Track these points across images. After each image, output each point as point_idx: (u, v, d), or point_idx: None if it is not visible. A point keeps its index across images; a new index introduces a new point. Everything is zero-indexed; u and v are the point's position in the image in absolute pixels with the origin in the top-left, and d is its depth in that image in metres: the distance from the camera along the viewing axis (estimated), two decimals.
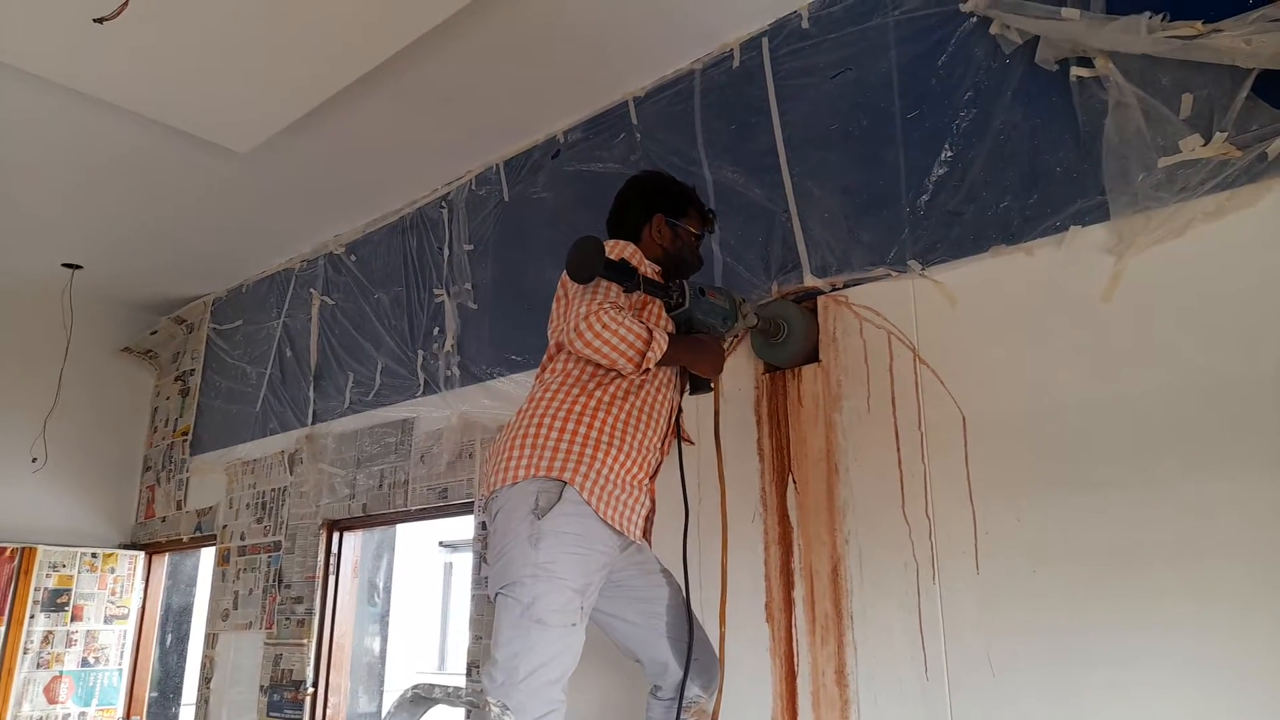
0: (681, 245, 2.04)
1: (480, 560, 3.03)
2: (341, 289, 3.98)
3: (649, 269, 1.90)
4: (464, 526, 5.57)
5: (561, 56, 2.79)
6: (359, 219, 3.91)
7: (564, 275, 1.85)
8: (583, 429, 1.75)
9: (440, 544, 9.16)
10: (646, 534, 1.89)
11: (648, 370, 1.75)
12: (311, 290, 4.12)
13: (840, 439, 2.20)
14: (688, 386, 2.01)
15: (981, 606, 1.90)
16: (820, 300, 2.32)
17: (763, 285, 2.43)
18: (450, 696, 1.41)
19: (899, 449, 2.09)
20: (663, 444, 1.90)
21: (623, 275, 1.75)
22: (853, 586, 2.10)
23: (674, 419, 1.96)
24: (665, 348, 1.74)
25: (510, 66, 2.84)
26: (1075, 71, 1.94)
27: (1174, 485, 1.71)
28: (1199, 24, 1.76)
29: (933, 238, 2.12)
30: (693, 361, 1.89)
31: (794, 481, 2.26)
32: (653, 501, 1.90)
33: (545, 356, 1.94)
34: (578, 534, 1.66)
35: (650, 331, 1.73)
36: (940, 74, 2.17)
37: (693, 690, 1.90)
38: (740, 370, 2.45)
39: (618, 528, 1.73)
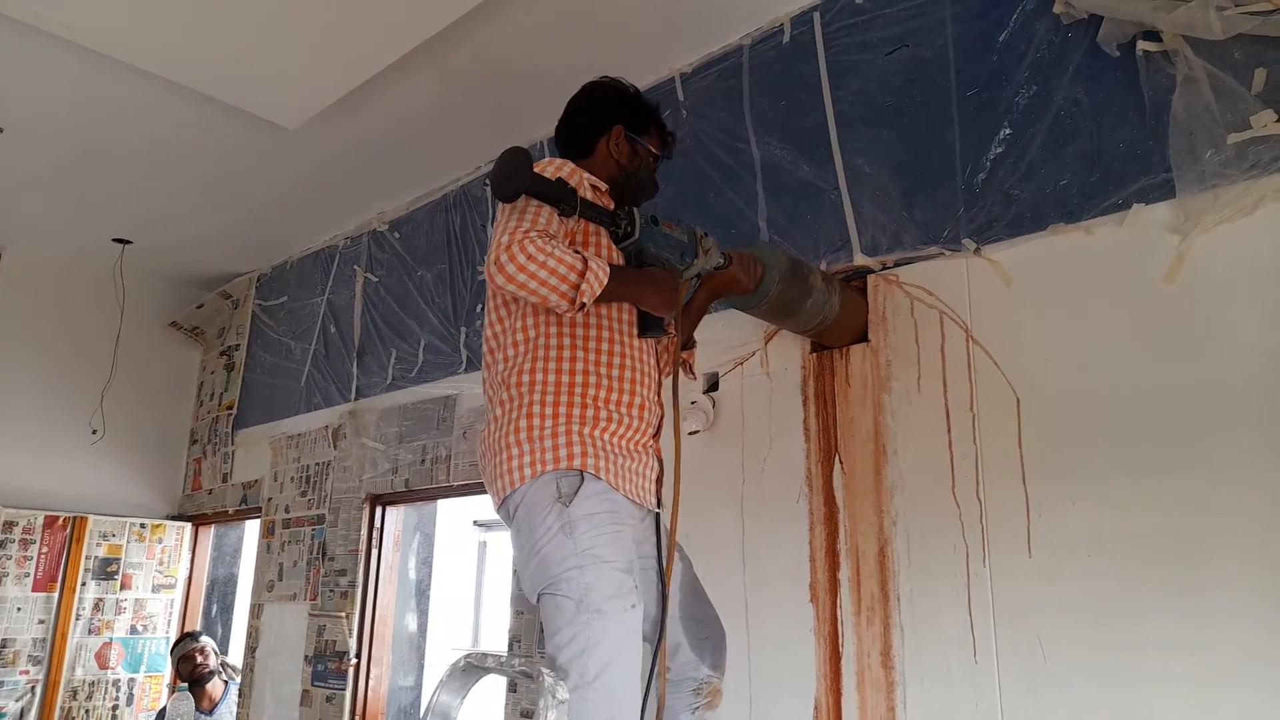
0: (639, 165, 1.82)
1: None
2: (385, 266, 4.01)
3: (590, 189, 1.66)
4: None
5: (608, 32, 2.77)
6: (403, 196, 3.93)
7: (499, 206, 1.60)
8: (576, 409, 1.58)
9: (475, 523, 9.24)
10: (657, 495, 1.74)
11: (584, 307, 1.50)
12: (355, 267, 4.16)
13: (889, 419, 2.17)
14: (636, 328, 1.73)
15: (1033, 590, 1.87)
16: (870, 279, 2.29)
17: (812, 264, 2.40)
18: (503, 666, 1.42)
19: (950, 430, 2.06)
20: (659, 395, 1.74)
21: (557, 195, 1.51)
22: (900, 568, 2.08)
23: (661, 361, 1.79)
24: (605, 279, 1.49)
25: (555, 42, 2.82)
26: (1142, 46, 1.89)
27: (1239, 471, 1.67)
28: None
29: (989, 216, 2.08)
30: (640, 296, 1.62)
31: (840, 462, 2.24)
32: (660, 462, 1.74)
33: (493, 316, 1.70)
34: (609, 512, 1.55)
35: (585, 261, 1.48)
36: (1000, 51, 2.12)
37: (702, 671, 1.76)
38: (786, 351, 2.43)
39: (636, 500, 1.62)
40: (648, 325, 1.69)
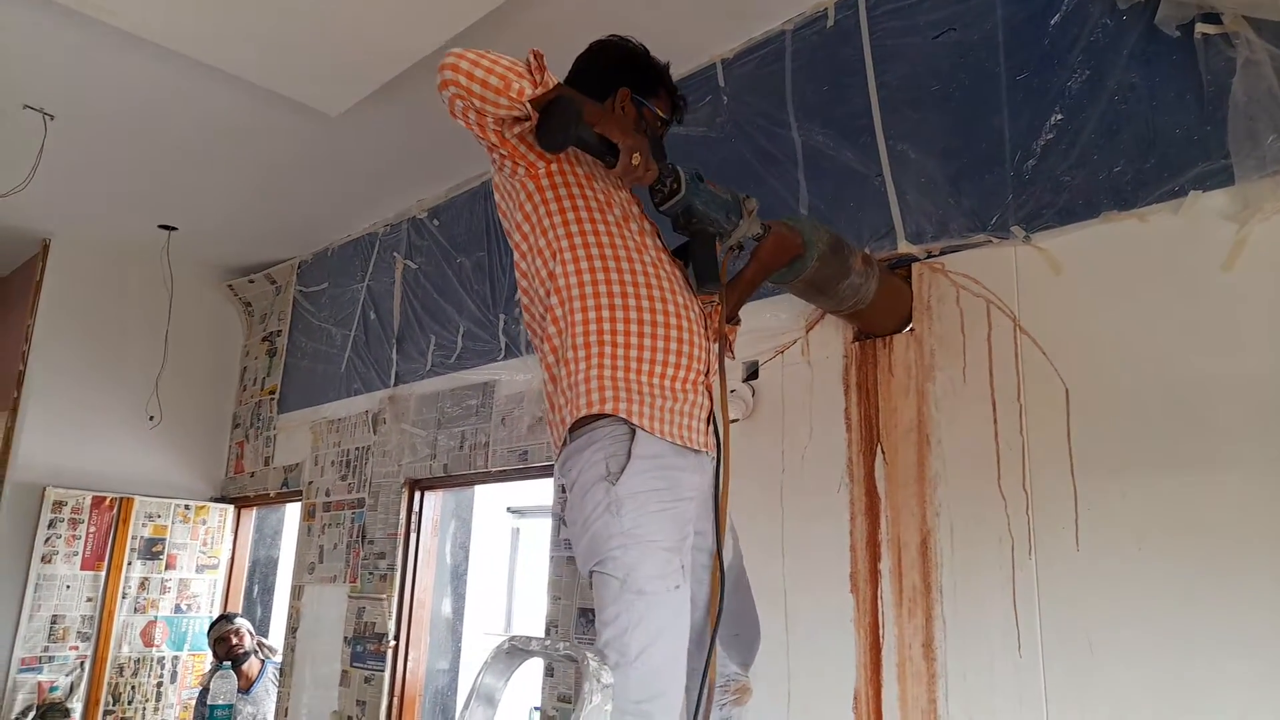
0: (645, 130, 1.73)
1: (559, 523, 3.06)
2: (424, 253, 4.03)
3: None
4: (534, 492, 5.64)
5: (649, 18, 2.75)
6: (442, 184, 3.95)
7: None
8: (608, 348, 1.51)
9: (508, 509, 9.32)
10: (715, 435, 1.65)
11: (545, 87, 1.40)
12: (395, 254, 4.19)
13: (933, 410, 2.15)
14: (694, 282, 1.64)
15: (1081, 584, 1.84)
16: (915, 267, 2.25)
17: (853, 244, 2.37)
18: (547, 650, 1.42)
19: (996, 421, 2.03)
20: (705, 331, 1.64)
21: (606, 149, 1.46)
22: (942, 559, 2.06)
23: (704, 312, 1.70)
24: (554, 80, 1.42)
25: (596, 28, 2.77)
26: (1201, 28, 1.84)
27: None
28: None
29: (1039, 203, 2.04)
30: (596, 118, 1.46)
31: (883, 452, 2.22)
32: (712, 399, 1.63)
33: (518, 273, 1.66)
34: (658, 489, 1.49)
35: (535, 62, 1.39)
36: (1052, 34, 2.08)
37: (729, 668, 1.72)
38: (828, 339, 2.41)
39: (680, 442, 1.52)
40: (704, 277, 1.60)
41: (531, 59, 1.41)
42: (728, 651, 1.72)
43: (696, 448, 1.57)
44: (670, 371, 1.54)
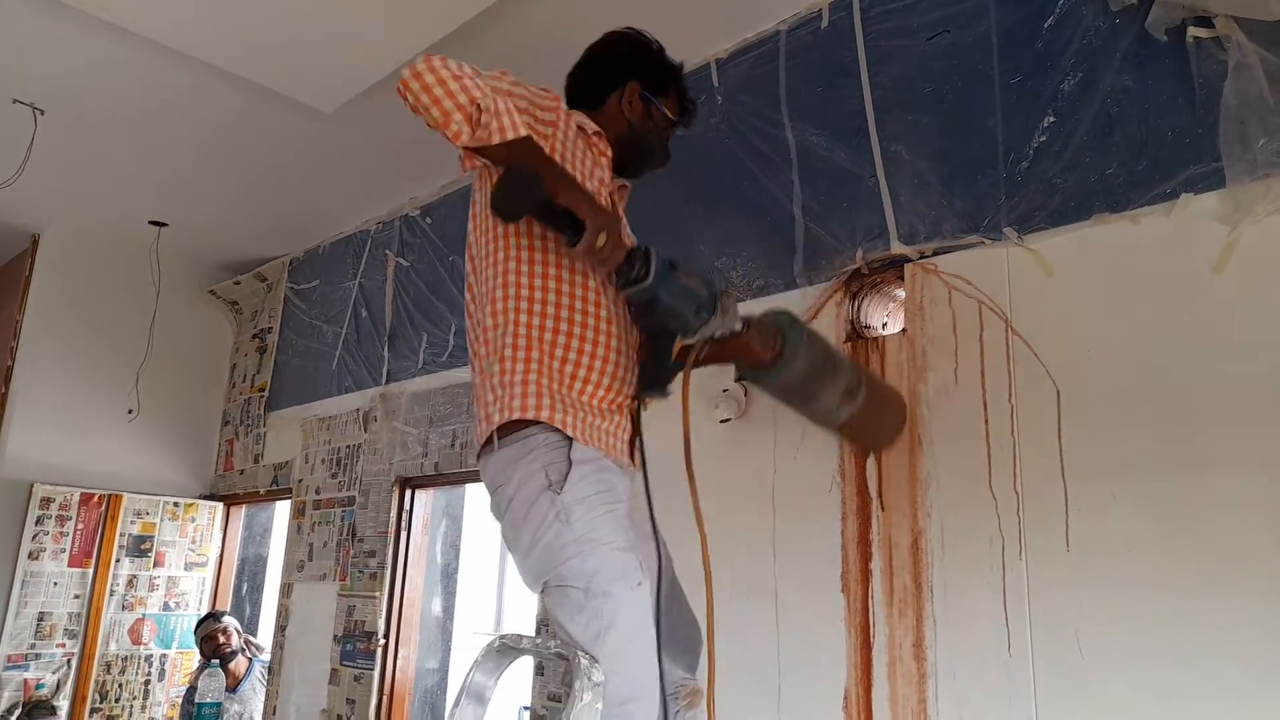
0: (651, 128, 1.69)
1: None
2: (416, 251, 4.02)
3: (575, 130, 1.55)
4: None
5: (644, 17, 2.72)
6: (435, 182, 3.94)
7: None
8: (546, 359, 1.47)
9: None
10: (631, 457, 1.59)
11: (481, 141, 1.37)
12: (387, 252, 4.18)
13: (924, 410, 2.15)
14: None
15: (1071, 585, 1.84)
16: (908, 268, 2.26)
17: (848, 252, 2.38)
18: (538, 648, 1.42)
19: (987, 421, 2.04)
20: (637, 352, 1.60)
21: (567, 223, 1.38)
22: (933, 560, 2.06)
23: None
24: (518, 129, 1.36)
25: (590, 27, 2.76)
26: (1193, 32, 1.84)
27: None
28: None
29: (1031, 205, 2.05)
30: (569, 197, 1.38)
31: (874, 452, 2.22)
32: (634, 423, 1.59)
33: (469, 266, 1.60)
34: (600, 492, 1.46)
35: (501, 104, 1.36)
36: (1046, 37, 2.09)
37: (676, 674, 1.65)
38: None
39: (603, 451, 1.49)
40: (649, 382, 1.54)
41: (474, 111, 1.36)
42: (673, 658, 1.66)
43: (625, 466, 1.54)
44: (600, 393, 1.51)
